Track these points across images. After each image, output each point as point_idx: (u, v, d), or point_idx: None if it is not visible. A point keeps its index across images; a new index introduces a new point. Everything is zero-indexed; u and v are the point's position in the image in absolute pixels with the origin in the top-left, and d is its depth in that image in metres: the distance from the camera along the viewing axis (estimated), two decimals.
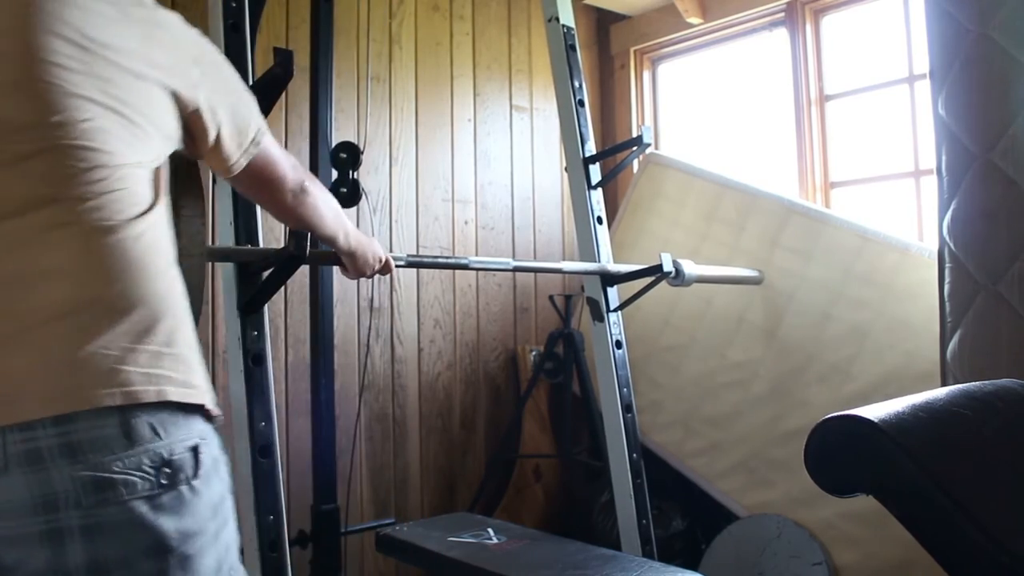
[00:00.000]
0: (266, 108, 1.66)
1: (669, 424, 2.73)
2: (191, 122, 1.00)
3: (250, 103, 1.12)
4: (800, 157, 2.90)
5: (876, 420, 1.05)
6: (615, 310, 2.33)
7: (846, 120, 2.86)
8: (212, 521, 0.88)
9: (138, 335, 0.84)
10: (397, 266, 1.65)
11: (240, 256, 1.63)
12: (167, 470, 0.83)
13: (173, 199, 1.08)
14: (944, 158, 1.94)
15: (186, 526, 0.84)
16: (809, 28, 2.92)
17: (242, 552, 1.63)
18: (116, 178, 0.87)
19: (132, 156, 0.90)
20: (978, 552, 0.99)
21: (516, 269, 2.09)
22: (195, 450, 0.86)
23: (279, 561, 1.57)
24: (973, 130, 1.87)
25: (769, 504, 2.45)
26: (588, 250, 2.36)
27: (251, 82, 1.72)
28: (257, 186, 1.19)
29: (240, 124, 1.08)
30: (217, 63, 1.06)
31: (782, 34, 2.99)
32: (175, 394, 0.85)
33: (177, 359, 0.87)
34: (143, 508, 0.80)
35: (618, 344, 2.32)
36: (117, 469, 0.79)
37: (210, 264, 2.36)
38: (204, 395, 0.90)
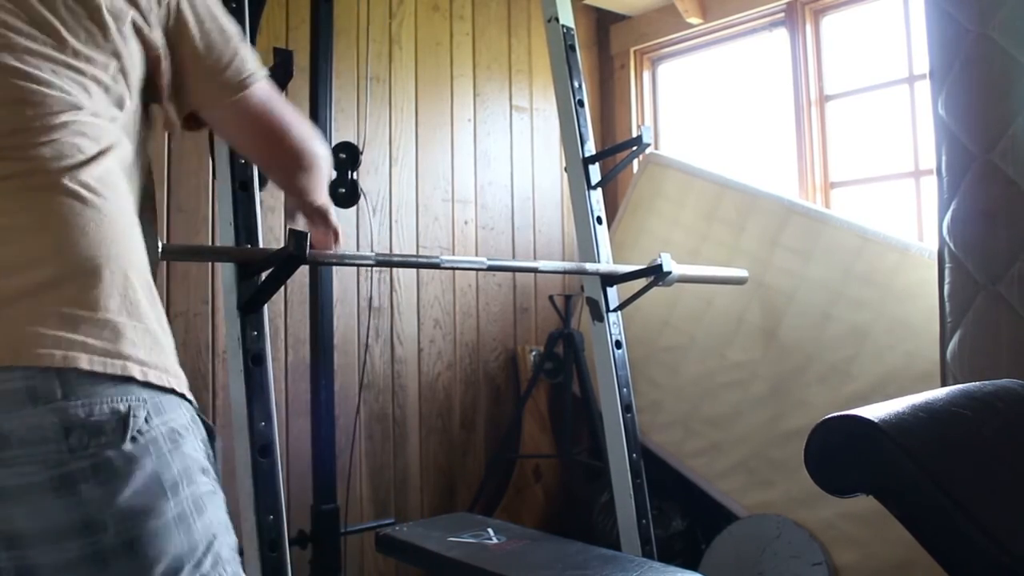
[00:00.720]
0: None
1: (669, 424, 2.73)
2: (156, 61, 0.93)
3: (243, 43, 1.03)
4: (800, 157, 2.90)
5: (876, 420, 1.05)
6: (615, 310, 2.33)
7: (846, 120, 2.86)
8: (168, 501, 0.75)
9: (76, 300, 0.74)
10: (366, 265, 1.67)
11: (240, 256, 1.63)
12: (81, 432, 0.71)
13: None
14: (944, 158, 1.94)
15: (124, 501, 0.72)
16: (809, 28, 2.92)
17: (241, 552, 1.63)
18: (51, 127, 0.80)
19: (76, 104, 0.83)
20: (978, 552, 0.99)
21: (491, 268, 2.08)
22: (126, 412, 0.74)
23: (279, 561, 1.57)
24: (973, 130, 1.87)
25: (769, 504, 2.45)
26: (588, 250, 2.36)
27: None
28: (259, 137, 1.09)
29: (225, 59, 0.99)
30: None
31: (782, 34, 2.99)
32: (97, 363, 0.73)
33: (98, 324, 0.76)
34: (41, 476, 0.69)
35: (618, 344, 2.32)
36: (12, 426, 0.69)
37: (210, 263, 2.37)
38: (161, 372, 0.78)
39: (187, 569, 0.76)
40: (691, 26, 3.15)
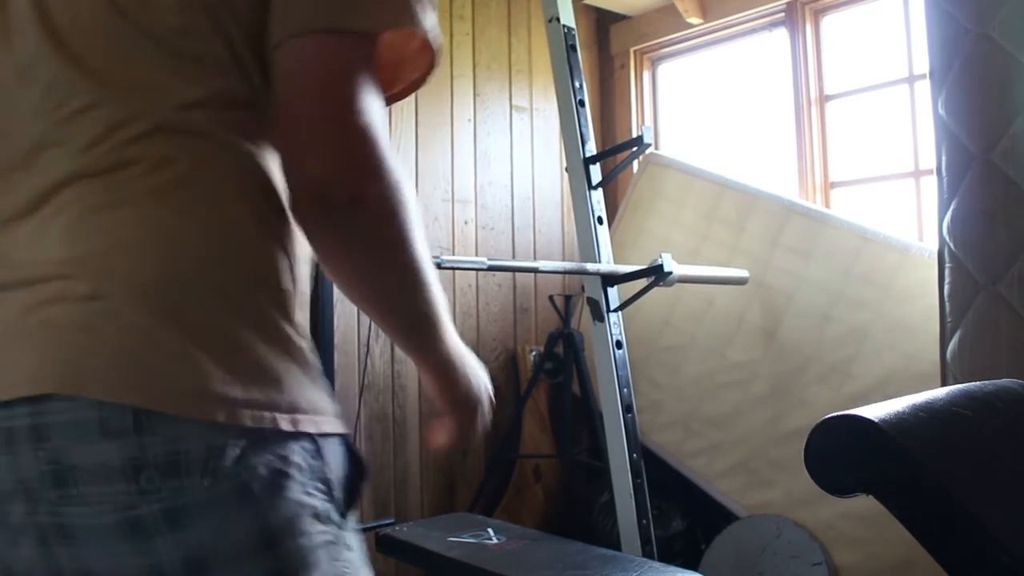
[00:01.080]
0: None
1: (669, 424, 2.73)
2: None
3: None
4: (800, 157, 2.90)
5: (876, 420, 1.05)
6: (615, 310, 2.33)
7: (846, 120, 2.86)
8: (259, 556, 0.63)
9: (148, 329, 0.64)
10: None
11: None
12: (153, 473, 0.61)
13: None
14: (944, 158, 1.94)
15: (199, 553, 0.62)
16: (809, 28, 2.92)
17: None
18: (131, 130, 0.67)
19: (167, 94, 0.69)
20: (978, 552, 0.99)
21: (491, 268, 2.09)
22: (207, 451, 0.62)
23: None
24: (973, 130, 1.87)
25: (769, 504, 2.45)
26: (588, 250, 2.37)
27: None
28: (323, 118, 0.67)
29: None
30: None
31: (782, 34, 2.99)
32: (169, 402, 0.62)
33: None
34: (109, 518, 0.61)
35: (618, 344, 2.32)
36: (81, 461, 0.61)
37: None
38: (259, 411, 0.65)
39: None
40: (691, 26, 3.15)
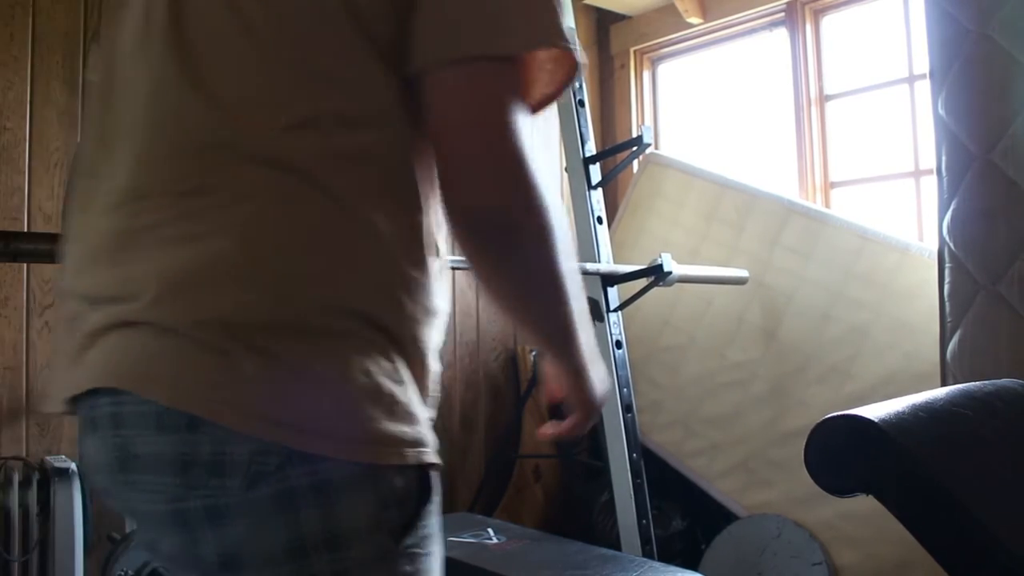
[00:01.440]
0: None
1: (669, 424, 2.73)
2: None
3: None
4: (800, 157, 2.90)
5: (876, 420, 1.05)
6: (615, 310, 2.33)
7: (846, 120, 2.86)
8: (291, 563, 0.64)
9: (214, 343, 0.68)
10: None
11: None
12: (200, 470, 0.64)
13: None
14: (944, 158, 1.94)
15: (232, 550, 0.65)
16: (809, 28, 2.92)
17: None
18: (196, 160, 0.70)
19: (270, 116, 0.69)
20: (978, 552, 0.99)
21: None
22: (249, 455, 0.64)
23: None
24: (973, 130, 1.87)
25: (769, 504, 2.45)
26: (588, 250, 2.37)
27: None
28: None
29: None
30: None
31: (782, 34, 2.99)
32: (223, 414, 0.64)
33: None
34: (162, 507, 0.66)
35: (618, 344, 2.32)
36: (141, 450, 0.65)
37: None
38: (300, 434, 0.65)
39: None
40: (691, 26, 3.15)
